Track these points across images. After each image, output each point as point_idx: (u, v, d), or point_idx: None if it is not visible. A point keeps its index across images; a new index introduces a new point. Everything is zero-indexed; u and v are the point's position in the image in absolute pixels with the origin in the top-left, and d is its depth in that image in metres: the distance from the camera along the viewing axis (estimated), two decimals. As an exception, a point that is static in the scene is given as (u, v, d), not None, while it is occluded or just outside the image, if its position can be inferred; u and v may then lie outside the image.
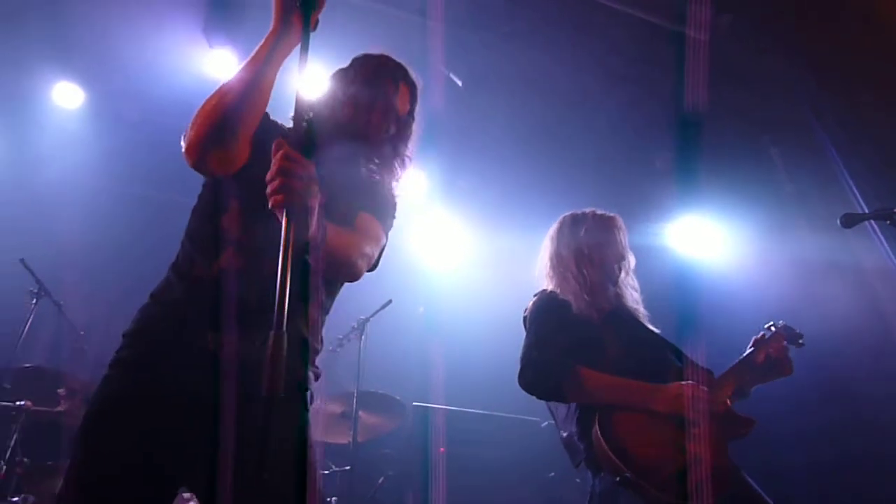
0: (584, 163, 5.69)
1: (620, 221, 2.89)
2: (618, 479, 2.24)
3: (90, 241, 5.27)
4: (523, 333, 2.66)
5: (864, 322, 4.52)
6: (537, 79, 5.27)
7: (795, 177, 5.11)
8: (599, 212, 2.90)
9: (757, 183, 5.17)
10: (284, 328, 1.13)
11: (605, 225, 2.84)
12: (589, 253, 2.75)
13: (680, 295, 4.45)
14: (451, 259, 6.12)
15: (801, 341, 2.88)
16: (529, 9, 4.80)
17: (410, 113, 2.15)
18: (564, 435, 2.58)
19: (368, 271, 1.91)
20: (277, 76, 1.77)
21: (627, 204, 5.62)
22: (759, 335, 2.77)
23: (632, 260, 2.86)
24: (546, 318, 2.62)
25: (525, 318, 2.73)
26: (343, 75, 2.10)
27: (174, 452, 1.56)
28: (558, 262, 2.80)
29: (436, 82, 4.88)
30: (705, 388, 2.44)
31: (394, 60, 2.13)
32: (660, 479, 2.21)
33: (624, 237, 2.85)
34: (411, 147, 2.16)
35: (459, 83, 5.06)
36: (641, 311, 2.82)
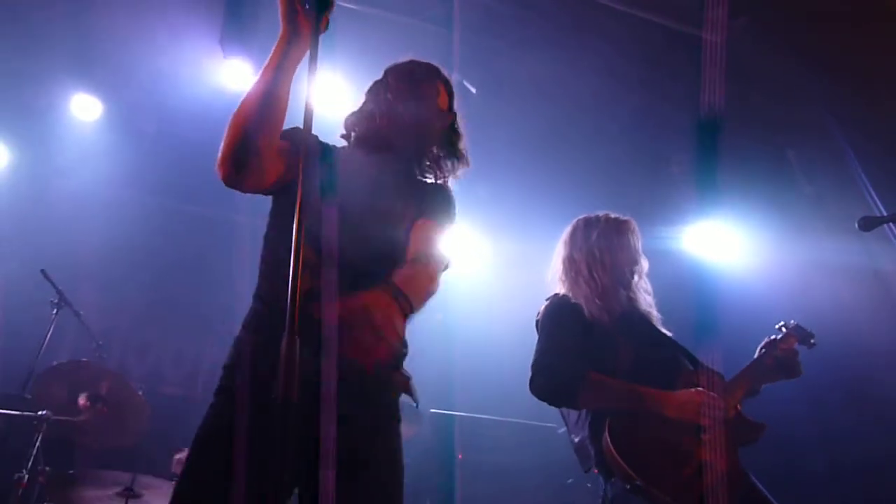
0: (599, 167, 5.68)
1: (633, 225, 2.88)
2: (629, 486, 2.24)
3: (109, 251, 5.33)
4: (536, 338, 2.66)
5: (882, 325, 4.48)
6: (551, 84, 5.27)
7: (813, 180, 5.08)
8: (613, 215, 2.89)
9: (774, 186, 5.14)
10: (297, 331, 1.12)
11: (617, 228, 2.83)
12: (601, 256, 2.75)
13: (697, 299, 4.42)
14: (469, 265, 6.12)
15: (812, 341, 2.87)
16: (542, 15, 4.81)
17: (450, 108, 2.16)
18: (576, 440, 2.57)
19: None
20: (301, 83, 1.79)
21: (643, 208, 5.61)
22: (769, 338, 2.75)
23: (645, 264, 2.85)
24: (558, 322, 2.62)
25: (537, 322, 2.72)
26: (380, 88, 2.10)
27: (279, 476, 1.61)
28: (570, 265, 2.80)
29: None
30: (716, 395, 2.43)
31: (423, 64, 2.14)
32: (670, 486, 2.21)
33: (637, 241, 2.84)
34: (463, 141, 2.19)
35: (473, 90, 5.06)
36: (655, 315, 2.81)
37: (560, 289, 2.79)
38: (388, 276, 1.67)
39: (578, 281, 2.73)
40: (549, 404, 2.59)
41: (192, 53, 4.88)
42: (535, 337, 2.68)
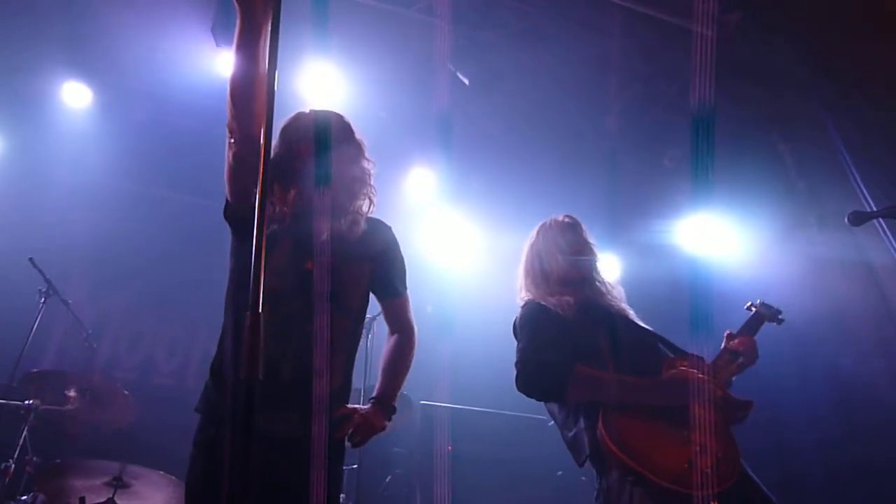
0: (592, 161, 5.68)
1: (569, 223, 2.94)
2: (630, 478, 2.24)
3: (99, 240, 5.30)
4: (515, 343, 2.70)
5: (871, 318, 4.51)
6: (545, 78, 5.26)
7: (805, 174, 5.09)
8: (560, 217, 2.97)
9: (767, 180, 5.15)
10: (260, 310, 1.15)
11: (561, 229, 2.90)
12: (539, 262, 2.86)
13: (690, 292, 4.43)
14: (460, 257, 6.11)
15: (780, 317, 2.91)
16: (537, 8, 4.80)
17: (352, 151, 2.30)
18: (569, 435, 2.57)
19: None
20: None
21: (636, 202, 5.64)
22: (728, 332, 2.78)
23: (595, 255, 2.90)
24: (537, 323, 2.64)
25: (514, 327, 2.76)
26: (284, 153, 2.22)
27: None
28: (531, 273, 2.89)
29: (443, 81, 4.87)
30: (701, 374, 2.44)
31: (312, 121, 2.26)
32: (670, 473, 2.20)
33: (583, 235, 2.90)
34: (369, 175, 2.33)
35: (466, 82, 5.04)
36: (626, 307, 2.85)
37: (527, 296, 2.84)
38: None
39: (539, 286, 2.82)
40: (537, 400, 2.60)
41: (184, 42, 4.85)
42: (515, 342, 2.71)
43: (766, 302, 2.93)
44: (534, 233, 3.00)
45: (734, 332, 2.78)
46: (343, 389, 2.18)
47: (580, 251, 2.85)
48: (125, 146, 5.44)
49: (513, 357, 2.59)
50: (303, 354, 2.00)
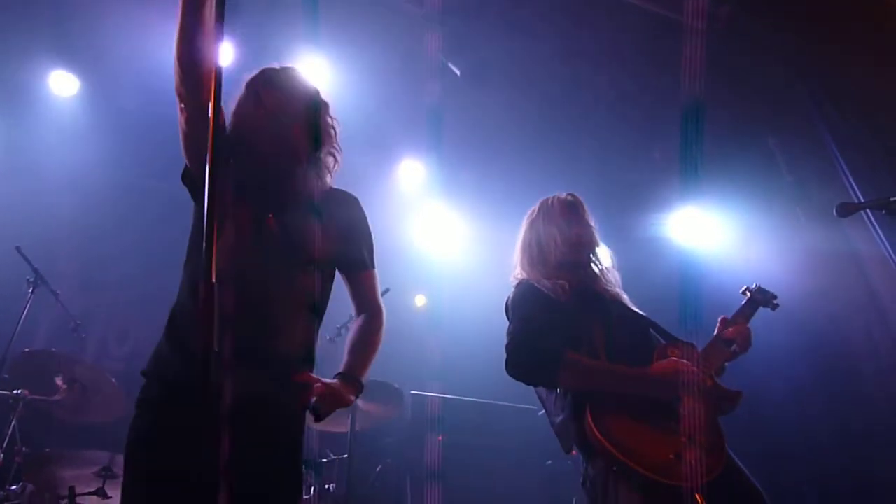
0: (582, 154, 5.69)
1: (571, 202, 2.89)
2: (614, 468, 2.24)
3: (86, 228, 5.27)
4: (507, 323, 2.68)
5: (860, 309, 4.56)
6: (535, 70, 5.25)
7: (794, 167, 5.12)
8: (562, 196, 2.92)
9: (756, 173, 5.17)
10: (213, 277, 1.13)
11: (550, 211, 2.87)
12: (537, 242, 2.81)
13: (679, 284, 4.46)
14: (449, 249, 6.12)
15: (775, 302, 2.92)
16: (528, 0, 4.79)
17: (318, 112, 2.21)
18: (556, 421, 2.56)
19: None
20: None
21: (626, 195, 5.65)
22: (722, 317, 2.79)
23: (595, 237, 2.87)
24: (529, 305, 2.61)
25: (507, 307, 2.74)
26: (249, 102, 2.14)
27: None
28: (528, 252, 2.85)
29: (434, 72, 4.86)
30: (690, 364, 2.43)
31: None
32: (655, 464, 2.21)
33: (576, 217, 2.85)
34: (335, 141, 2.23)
35: (458, 72, 5.04)
36: (621, 293, 2.83)
37: (524, 275, 2.81)
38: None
39: (536, 266, 2.78)
40: (526, 384, 2.59)
41: (172, 30, 4.80)
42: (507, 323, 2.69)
43: (761, 287, 2.93)
44: (534, 209, 2.94)
45: (728, 317, 2.78)
46: (307, 354, 2.06)
47: (580, 234, 2.81)
48: (113, 135, 5.40)
49: (501, 348, 2.58)
50: (262, 311, 1.91)
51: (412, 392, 4.62)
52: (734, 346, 2.67)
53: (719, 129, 4.74)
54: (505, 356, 2.50)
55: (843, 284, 4.65)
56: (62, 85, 5.29)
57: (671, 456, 2.22)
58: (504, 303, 2.78)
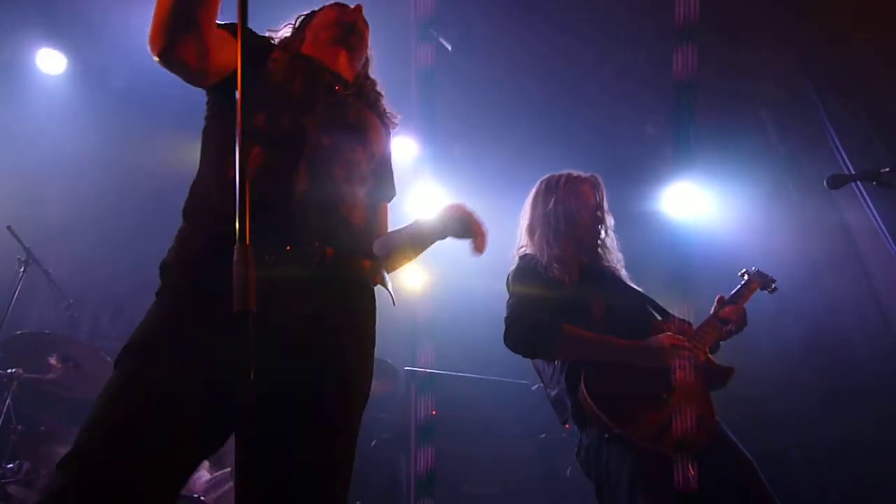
0: (575, 128, 5.67)
1: (596, 180, 2.88)
2: (606, 435, 2.29)
3: (77, 207, 5.25)
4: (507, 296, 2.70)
5: (849, 279, 4.60)
6: (528, 44, 5.22)
7: (786, 139, 5.12)
8: (575, 173, 2.91)
9: (748, 146, 5.18)
10: (247, 240, 1.03)
11: (575, 190, 2.85)
12: (556, 224, 2.78)
13: (672, 258, 4.48)
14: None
15: (774, 286, 2.96)
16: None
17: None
18: (552, 393, 2.62)
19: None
20: None
21: (620, 169, 5.63)
22: (720, 296, 2.82)
23: (609, 220, 2.87)
24: (529, 279, 2.65)
25: (508, 281, 2.76)
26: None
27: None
28: (535, 226, 2.84)
29: (425, 47, 4.82)
30: (684, 338, 2.50)
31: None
32: (648, 432, 2.27)
33: (599, 196, 2.85)
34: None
35: (449, 47, 5.00)
36: (622, 271, 2.86)
37: (528, 249, 2.83)
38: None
39: (542, 242, 2.78)
40: (524, 356, 2.64)
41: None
42: (507, 295, 2.72)
43: (760, 270, 2.95)
44: (551, 183, 2.90)
45: (725, 297, 2.82)
46: (368, 231, 1.79)
47: (595, 216, 2.82)
48: (103, 113, 5.36)
49: (495, 323, 2.61)
50: (313, 178, 1.61)
51: (406, 368, 4.64)
52: (729, 326, 2.71)
53: (711, 101, 4.74)
54: (504, 328, 2.54)
55: (834, 255, 4.69)
56: (50, 63, 5.23)
57: (662, 426, 2.26)
58: (506, 276, 2.78)
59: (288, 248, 1.49)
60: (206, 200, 1.60)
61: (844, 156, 4.20)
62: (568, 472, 4.36)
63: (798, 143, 4.97)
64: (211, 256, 1.43)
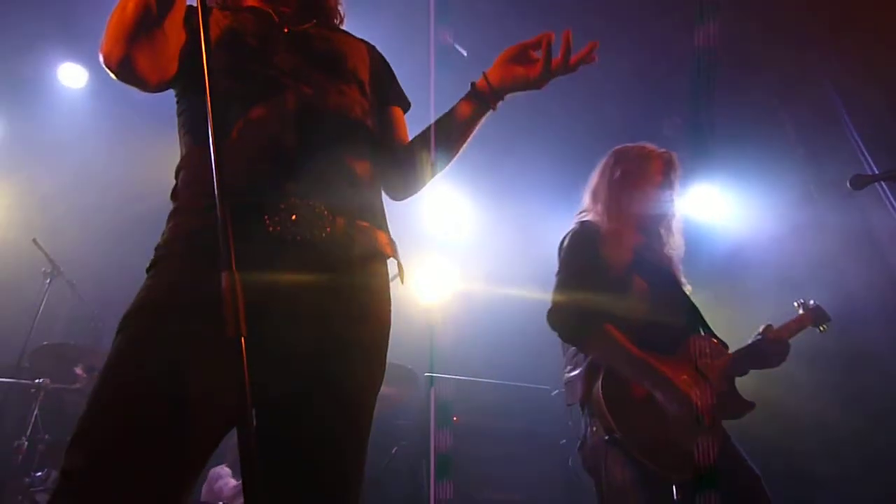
0: (591, 129, 5.64)
1: (669, 157, 2.71)
2: (607, 437, 2.29)
3: (101, 220, 5.31)
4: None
5: (874, 282, 4.52)
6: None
7: (805, 140, 5.06)
8: (649, 147, 2.75)
9: (767, 147, 5.12)
10: (234, 267, 0.99)
11: (646, 161, 2.70)
12: (627, 189, 2.64)
13: (691, 261, 4.45)
14: (463, 230, 6.11)
15: (824, 327, 2.81)
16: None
17: None
18: (568, 374, 2.57)
19: None
20: None
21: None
22: (766, 325, 2.69)
23: (675, 206, 2.71)
24: (582, 250, 2.54)
25: (561, 245, 2.63)
26: None
27: None
28: (598, 195, 2.71)
29: (441, 52, 4.84)
30: (706, 390, 2.39)
31: None
32: (648, 448, 2.26)
33: (669, 175, 2.69)
34: None
35: (465, 53, 5.01)
36: (678, 261, 2.72)
37: (588, 216, 2.70)
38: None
39: (602, 213, 2.64)
40: (558, 336, 2.55)
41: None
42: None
43: (820, 306, 2.79)
44: (620, 154, 2.76)
45: (774, 326, 2.68)
46: (375, 188, 1.67)
47: (660, 195, 2.66)
48: (125, 126, 5.43)
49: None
50: (308, 127, 1.50)
51: (426, 374, 4.64)
52: (769, 360, 2.62)
53: (729, 101, 4.70)
54: (549, 304, 2.46)
55: (857, 258, 4.61)
56: (72, 77, 5.33)
57: (667, 445, 2.27)
58: (558, 245, 2.65)
59: (294, 217, 1.38)
60: (187, 178, 1.59)
61: (867, 155, 4.14)
62: (570, 462, 4.33)
63: (818, 143, 4.91)
64: (200, 228, 1.41)
